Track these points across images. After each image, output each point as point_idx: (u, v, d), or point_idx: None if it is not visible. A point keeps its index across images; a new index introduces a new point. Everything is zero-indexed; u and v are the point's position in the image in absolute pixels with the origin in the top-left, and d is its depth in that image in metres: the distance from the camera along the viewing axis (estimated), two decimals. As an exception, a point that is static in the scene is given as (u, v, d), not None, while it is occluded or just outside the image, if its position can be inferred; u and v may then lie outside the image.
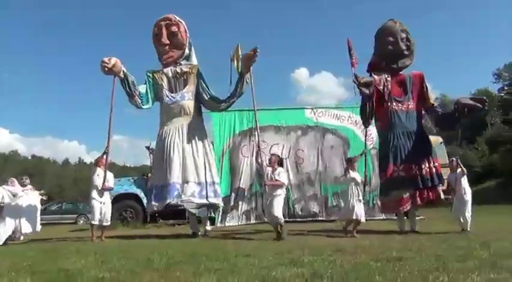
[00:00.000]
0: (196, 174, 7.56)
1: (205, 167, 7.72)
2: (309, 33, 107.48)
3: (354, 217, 6.67)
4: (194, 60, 8.23)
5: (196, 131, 7.94)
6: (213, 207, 8.06)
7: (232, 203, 10.45)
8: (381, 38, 7.75)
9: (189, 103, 7.95)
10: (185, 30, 8.11)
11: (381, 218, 10.49)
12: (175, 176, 7.39)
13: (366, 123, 7.97)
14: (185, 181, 7.41)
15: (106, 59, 7.30)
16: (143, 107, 7.89)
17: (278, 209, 6.50)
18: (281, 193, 6.68)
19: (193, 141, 7.78)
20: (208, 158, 7.89)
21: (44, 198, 8.59)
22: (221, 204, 8.10)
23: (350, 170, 7.04)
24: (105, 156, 7.56)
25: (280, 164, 7.12)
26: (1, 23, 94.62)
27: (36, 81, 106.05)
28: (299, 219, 10.33)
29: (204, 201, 7.49)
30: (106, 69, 7.32)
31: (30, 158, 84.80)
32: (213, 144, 10.75)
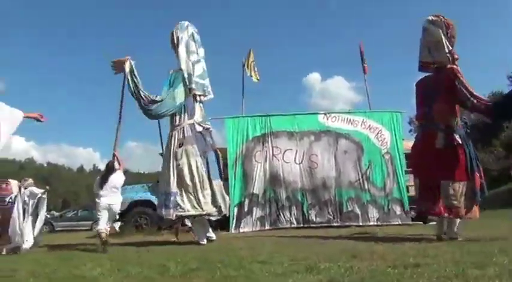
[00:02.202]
0: None
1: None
2: (321, 38, 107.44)
3: None
4: (179, 65, 7.98)
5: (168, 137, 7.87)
6: None
7: (246, 209, 10.45)
8: (455, 33, 6.85)
9: None
10: (171, 39, 8.00)
11: (397, 223, 10.42)
12: None
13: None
14: None
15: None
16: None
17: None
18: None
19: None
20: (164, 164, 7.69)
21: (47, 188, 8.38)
22: (165, 215, 7.34)
23: None
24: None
25: (109, 169, 7.14)
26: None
27: (50, 89, 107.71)
28: (313, 225, 10.30)
29: None
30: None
31: (45, 165, 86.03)
32: (224, 151, 10.79)
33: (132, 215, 11.39)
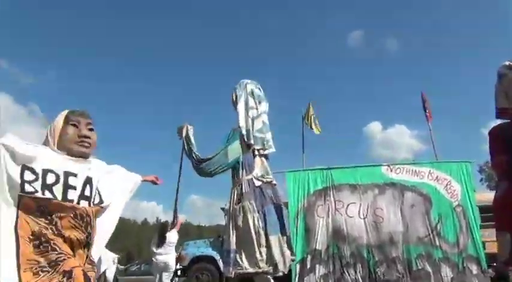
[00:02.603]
0: None
1: None
2: (380, 86, 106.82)
3: None
4: (237, 123, 8.11)
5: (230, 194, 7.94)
6: None
7: (308, 266, 10.07)
8: None
9: None
10: (231, 98, 8.26)
11: (475, 283, 9.58)
12: None
13: None
14: None
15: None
16: None
17: None
18: None
19: None
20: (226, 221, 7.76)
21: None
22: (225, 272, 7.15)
23: None
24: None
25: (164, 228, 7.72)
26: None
27: (117, 144, 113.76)
28: (381, 285, 9.69)
29: None
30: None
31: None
32: (286, 205, 10.59)
33: (193, 270, 11.37)
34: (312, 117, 13.38)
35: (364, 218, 10.51)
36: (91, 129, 2.33)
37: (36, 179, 2.03)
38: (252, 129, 8.05)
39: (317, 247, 10.25)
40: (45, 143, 2.26)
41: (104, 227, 2.40)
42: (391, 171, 10.96)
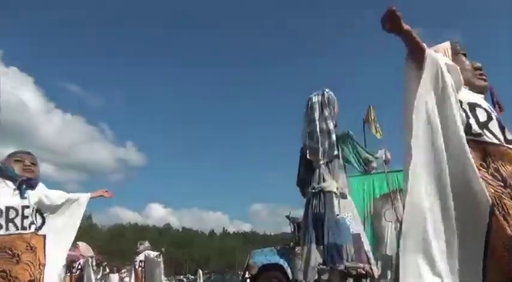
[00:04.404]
0: None
1: None
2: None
3: None
4: None
5: None
6: None
7: (379, 272, 9.78)
8: None
9: None
10: None
11: None
12: None
13: None
14: None
15: None
16: None
17: None
18: None
19: None
20: None
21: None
22: None
23: None
24: None
25: None
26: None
27: (184, 157, 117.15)
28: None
29: None
30: None
31: (180, 230, 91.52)
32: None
33: (262, 279, 11.38)
34: (374, 120, 12.95)
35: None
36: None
37: (468, 117, 1.71)
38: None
39: (387, 253, 9.92)
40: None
41: None
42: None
